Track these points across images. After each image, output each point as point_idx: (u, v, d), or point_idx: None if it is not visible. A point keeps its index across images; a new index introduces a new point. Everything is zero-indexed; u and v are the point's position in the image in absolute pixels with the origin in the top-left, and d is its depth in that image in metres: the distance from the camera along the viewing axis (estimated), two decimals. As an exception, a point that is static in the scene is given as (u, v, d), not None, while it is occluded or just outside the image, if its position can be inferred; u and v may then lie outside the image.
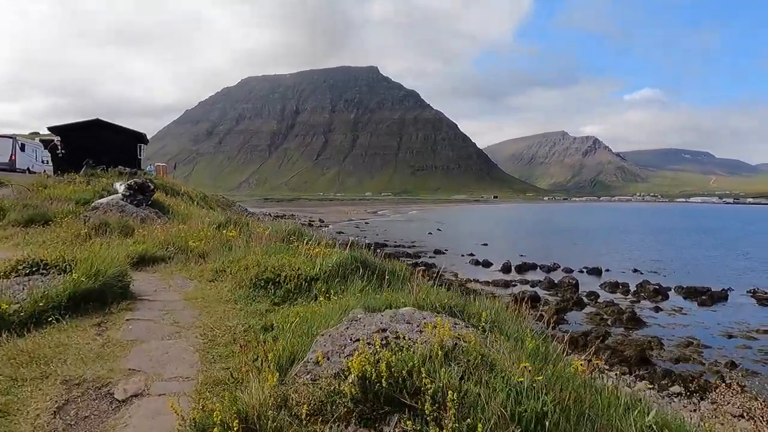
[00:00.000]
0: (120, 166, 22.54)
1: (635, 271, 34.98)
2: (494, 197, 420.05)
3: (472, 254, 41.75)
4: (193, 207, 19.18)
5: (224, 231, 10.59)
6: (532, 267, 35.40)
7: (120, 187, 14.62)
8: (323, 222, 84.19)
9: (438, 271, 25.96)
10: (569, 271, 34.07)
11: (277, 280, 7.18)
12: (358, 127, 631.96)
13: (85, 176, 20.10)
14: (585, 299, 24.26)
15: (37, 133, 48.04)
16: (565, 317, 20.92)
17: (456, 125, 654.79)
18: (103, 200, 13.51)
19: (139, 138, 31.08)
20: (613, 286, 27.99)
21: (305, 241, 9.40)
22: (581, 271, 34.05)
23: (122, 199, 13.56)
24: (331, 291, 6.78)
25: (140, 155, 30.82)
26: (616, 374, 13.55)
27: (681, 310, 23.12)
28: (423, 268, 31.44)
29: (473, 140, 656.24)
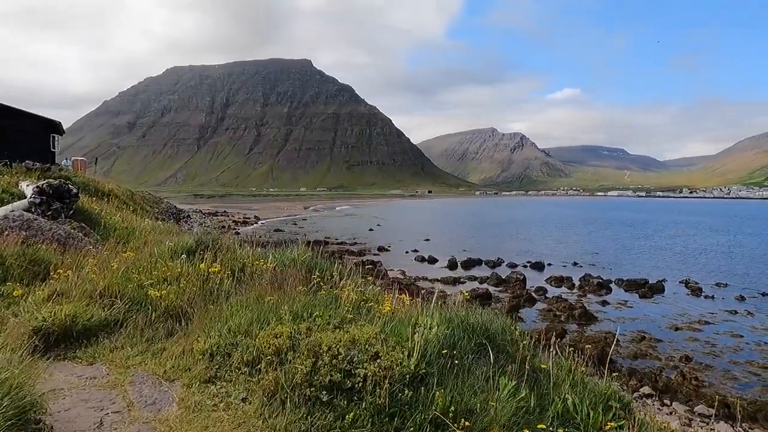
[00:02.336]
0: (28, 161, 18.66)
1: (575, 264, 35.85)
2: (429, 192, 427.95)
3: (416, 250, 41.25)
4: (131, 214, 15.00)
5: (200, 264, 6.55)
6: (477, 262, 35.34)
7: (28, 189, 10.83)
8: (258, 218, 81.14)
9: (384, 271, 24.46)
10: (513, 265, 34.32)
11: (350, 384, 3.82)
12: (291, 121, 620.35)
13: None
14: (534, 295, 24.21)
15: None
16: (519, 315, 20.63)
17: (390, 120, 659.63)
18: (-2, 211, 8.78)
19: (53, 127, 26.70)
20: (558, 281, 28.33)
21: (339, 281, 6.11)
22: (525, 266, 34.39)
23: (29, 209, 9.58)
24: (460, 408, 3.68)
25: (54, 148, 26.60)
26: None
27: (626, 303, 23.61)
28: (370, 266, 30.30)
29: (407, 135, 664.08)
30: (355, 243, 47.23)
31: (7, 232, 7.75)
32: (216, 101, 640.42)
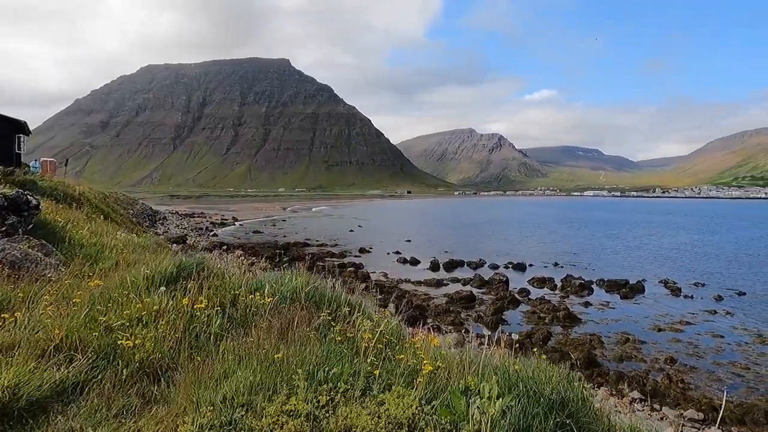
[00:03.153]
0: None
1: (556, 264, 36.05)
2: (408, 192, 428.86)
3: (397, 252, 40.98)
4: (103, 224, 13.55)
5: (182, 298, 5.28)
6: (460, 264, 35.24)
7: None
8: (236, 220, 79.91)
9: (367, 273, 24.20)
10: (495, 267, 34.33)
11: None
12: (270, 120, 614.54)
13: None
14: (518, 297, 24.14)
15: None
16: (503, 317, 20.51)
17: (370, 121, 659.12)
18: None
19: (17, 127, 24.73)
20: (540, 282, 28.37)
21: (353, 318, 5.09)
22: (507, 267, 34.42)
23: None
24: None
25: (20, 149, 24.66)
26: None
27: (608, 304, 23.72)
28: (353, 269, 29.83)
29: (387, 135, 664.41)
30: (336, 244, 46.75)
31: None
32: (192, 100, 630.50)
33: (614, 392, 12.34)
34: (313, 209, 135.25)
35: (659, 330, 19.16)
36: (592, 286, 27.36)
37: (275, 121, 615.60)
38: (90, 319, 4.84)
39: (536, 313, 21.16)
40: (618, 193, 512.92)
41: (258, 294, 5.56)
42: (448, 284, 27.91)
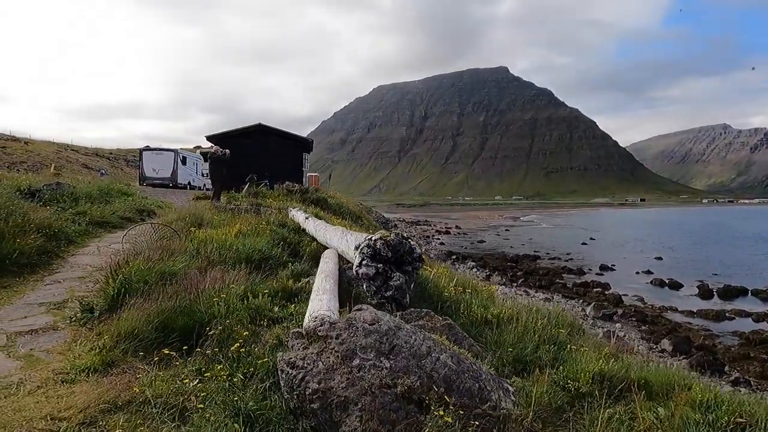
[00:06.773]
0: (288, 182, 17.67)
1: None
2: (641, 200, 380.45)
3: (648, 271, 35.24)
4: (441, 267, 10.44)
5: None
6: (742, 292, 28.25)
7: (304, 220, 7.78)
8: (460, 229, 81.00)
9: (618, 296, 20.30)
10: (798, 299, 26.52)
11: None
12: (487, 129, 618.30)
13: (248, 197, 14.81)
14: None
15: (199, 146, 51.54)
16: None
17: (594, 123, 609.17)
18: (318, 317, 4.07)
19: (305, 146, 27.24)
20: None
21: None
22: (818, 301, 26.29)
23: (373, 295, 5.21)
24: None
25: (304, 166, 27.00)
26: None
27: None
28: (599, 289, 26.29)
29: (614, 138, 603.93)
30: (570, 259, 42.88)
31: (360, 375, 3.46)
32: (415, 115, 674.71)
33: None
34: (537, 218, 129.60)
35: None
36: None
37: (492, 129, 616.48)
38: None
39: None
40: None
41: None
42: (734, 318, 22.32)
